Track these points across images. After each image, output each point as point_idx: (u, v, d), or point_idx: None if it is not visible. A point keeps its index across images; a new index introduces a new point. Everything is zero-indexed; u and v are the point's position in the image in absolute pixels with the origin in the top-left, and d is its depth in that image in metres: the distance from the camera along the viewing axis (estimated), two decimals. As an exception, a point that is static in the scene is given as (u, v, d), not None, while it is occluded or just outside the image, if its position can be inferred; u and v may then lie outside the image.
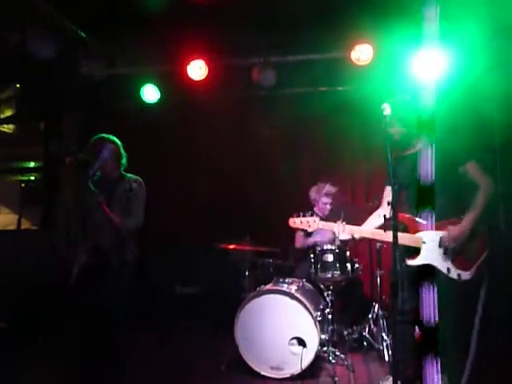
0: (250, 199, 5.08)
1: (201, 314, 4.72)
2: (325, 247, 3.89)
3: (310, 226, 3.01)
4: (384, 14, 3.96)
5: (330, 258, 3.85)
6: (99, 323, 2.81)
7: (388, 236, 2.76)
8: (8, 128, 6.07)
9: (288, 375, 3.40)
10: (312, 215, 3.05)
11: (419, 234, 2.73)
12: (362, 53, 4.45)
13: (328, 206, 4.44)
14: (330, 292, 3.88)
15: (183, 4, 4.13)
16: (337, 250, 3.84)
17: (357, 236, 2.97)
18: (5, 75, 4.86)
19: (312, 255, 3.93)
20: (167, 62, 4.91)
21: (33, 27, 4.09)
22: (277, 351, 3.46)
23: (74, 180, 3.40)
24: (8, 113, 5.46)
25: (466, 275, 2.62)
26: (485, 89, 4.10)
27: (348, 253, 3.92)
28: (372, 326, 4.02)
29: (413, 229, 2.79)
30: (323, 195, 4.43)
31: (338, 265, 3.82)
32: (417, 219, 2.79)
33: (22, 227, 6.09)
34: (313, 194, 4.53)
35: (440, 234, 2.67)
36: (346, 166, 5.30)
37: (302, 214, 3.05)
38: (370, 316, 4.08)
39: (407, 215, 2.86)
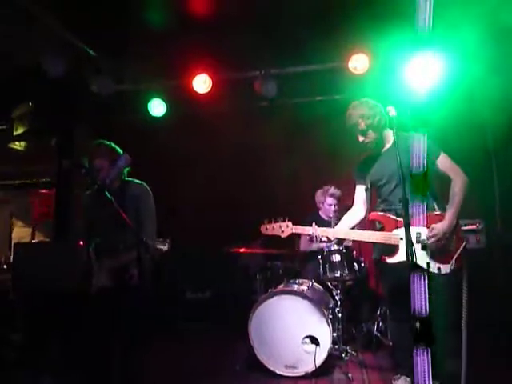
0: (255, 204, 5.01)
1: (214, 317, 4.62)
2: (332, 248, 3.81)
3: (282, 231, 2.86)
4: (379, 24, 3.94)
5: (337, 258, 3.76)
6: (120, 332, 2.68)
7: (363, 236, 2.75)
8: (19, 145, 5.98)
9: (302, 373, 3.30)
10: (284, 220, 2.87)
11: (396, 231, 2.61)
12: (358, 62, 4.43)
13: (333, 208, 4.37)
14: (338, 291, 3.79)
15: (187, 22, 4.12)
16: (344, 250, 3.76)
17: (331, 237, 2.86)
18: (18, 93, 4.80)
19: (320, 256, 3.85)
20: (173, 76, 4.87)
21: (45, 47, 4.05)
22: (290, 350, 3.36)
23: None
24: (21, 130, 5.37)
25: (445, 268, 2.50)
26: (479, 92, 4.08)
27: (354, 252, 3.85)
28: (380, 323, 3.93)
29: (388, 226, 2.67)
30: (328, 196, 4.38)
31: (345, 264, 3.73)
32: (391, 216, 2.68)
33: (36, 239, 5.98)
34: (318, 196, 4.48)
35: (417, 229, 2.52)
36: (345, 170, 5.24)
37: (273, 219, 2.90)
38: (378, 313, 3.98)
39: (380, 213, 2.76)
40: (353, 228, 2.95)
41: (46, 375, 3.47)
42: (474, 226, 3.81)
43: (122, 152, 2.88)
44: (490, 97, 4.11)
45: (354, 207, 3.01)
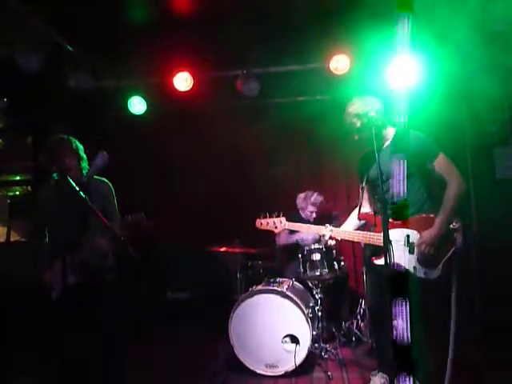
0: (236, 204, 4.99)
1: (194, 317, 4.55)
2: (312, 246, 3.82)
3: (276, 227, 2.88)
4: (360, 24, 3.95)
5: (317, 256, 3.78)
6: (95, 335, 2.62)
7: (353, 236, 2.72)
8: (-5, 142, 5.81)
9: (282, 372, 3.30)
10: (279, 216, 2.90)
11: None
12: (339, 63, 4.44)
13: (314, 215, 4.37)
14: (318, 290, 3.80)
15: (168, 18, 4.05)
16: (324, 249, 3.77)
17: (339, 238, 2.83)
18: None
19: (300, 255, 3.86)
20: (153, 74, 4.78)
21: (20, 41, 3.93)
22: (271, 349, 3.35)
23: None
24: (-4, 127, 5.22)
25: (433, 273, 2.43)
26: (457, 94, 4.14)
27: (334, 251, 3.86)
28: (360, 321, 3.96)
29: (378, 227, 2.60)
30: (310, 204, 4.35)
31: (325, 263, 3.75)
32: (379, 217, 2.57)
33: (12, 240, 5.80)
34: (300, 201, 4.44)
35: (406, 231, 2.47)
36: (328, 170, 5.27)
37: (268, 214, 2.91)
38: (357, 311, 4.01)
39: (370, 213, 2.72)
40: (359, 228, 2.88)
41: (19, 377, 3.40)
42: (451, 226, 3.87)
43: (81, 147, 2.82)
44: (468, 99, 4.18)
45: (360, 207, 2.87)
